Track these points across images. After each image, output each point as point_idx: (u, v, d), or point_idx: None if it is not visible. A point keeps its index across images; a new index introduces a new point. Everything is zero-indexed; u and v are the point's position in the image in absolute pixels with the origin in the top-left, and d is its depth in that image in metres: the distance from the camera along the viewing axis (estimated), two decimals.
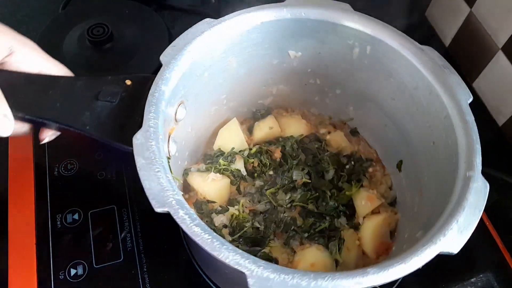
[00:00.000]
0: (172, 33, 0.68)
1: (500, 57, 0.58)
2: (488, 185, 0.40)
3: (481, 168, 0.40)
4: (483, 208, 0.39)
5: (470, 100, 0.44)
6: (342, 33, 0.49)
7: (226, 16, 0.47)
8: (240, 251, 0.34)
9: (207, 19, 0.46)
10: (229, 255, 0.33)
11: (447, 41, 0.69)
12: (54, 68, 0.46)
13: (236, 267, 0.33)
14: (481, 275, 0.50)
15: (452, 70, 0.46)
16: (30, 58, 0.44)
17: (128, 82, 0.43)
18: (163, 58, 0.43)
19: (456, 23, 0.65)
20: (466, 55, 0.66)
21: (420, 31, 0.70)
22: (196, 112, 0.49)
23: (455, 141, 0.43)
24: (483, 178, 0.40)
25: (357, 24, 0.48)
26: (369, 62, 0.50)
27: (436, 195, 0.44)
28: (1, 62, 0.43)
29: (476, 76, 0.63)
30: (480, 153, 0.41)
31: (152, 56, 0.62)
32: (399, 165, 0.54)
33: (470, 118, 0.43)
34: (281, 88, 0.57)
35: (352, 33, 0.48)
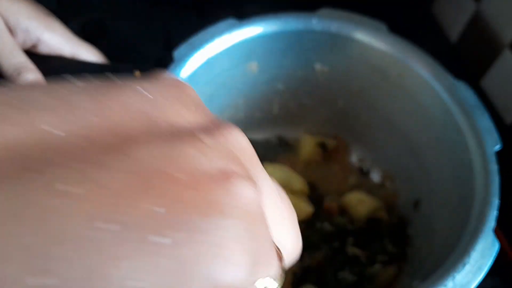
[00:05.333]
0: (169, 29, 0.66)
1: (508, 54, 0.55)
2: (497, 244, 0.36)
3: (493, 225, 0.37)
4: (487, 269, 0.35)
5: (498, 147, 0.40)
6: (372, 54, 0.46)
7: (251, 19, 0.45)
8: None
9: (230, 20, 0.44)
10: None
11: (453, 38, 0.65)
12: (84, 53, 0.46)
13: None
14: (487, 279, 0.46)
15: (484, 111, 0.42)
16: (58, 45, 0.45)
17: (137, 73, 0.43)
18: (176, 54, 0.42)
19: (462, 20, 0.63)
20: (472, 52, 0.63)
21: (426, 28, 0.67)
22: None
23: (472, 189, 0.39)
24: (493, 236, 0.36)
25: (389, 47, 0.45)
26: (397, 89, 0.47)
27: (442, 246, 0.41)
28: (33, 46, 0.44)
29: (483, 73, 0.60)
30: (497, 207, 0.37)
31: (148, 52, 0.61)
32: (416, 204, 0.50)
33: (494, 167, 0.39)
34: (303, 103, 0.54)
35: (382, 56, 0.45)
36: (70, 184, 0.12)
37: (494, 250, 0.36)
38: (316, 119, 0.57)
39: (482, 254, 0.35)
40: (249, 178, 0.16)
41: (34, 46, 0.43)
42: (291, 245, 0.20)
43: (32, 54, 0.43)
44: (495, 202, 0.38)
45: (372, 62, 0.47)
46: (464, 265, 0.35)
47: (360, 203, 0.51)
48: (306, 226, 0.50)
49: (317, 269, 0.49)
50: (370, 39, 0.46)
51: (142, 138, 0.15)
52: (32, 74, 0.41)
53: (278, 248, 0.19)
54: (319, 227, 0.50)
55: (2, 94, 0.14)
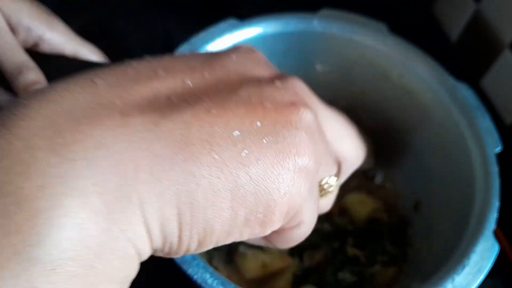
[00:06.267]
0: (169, 29, 0.66)
1: (508, 54, 0.55)
2: (497, 246, 0.36)
3: (494, 227, 0.37)
4: (487, 271, 0.35)
5: (498, 149, 0.40)
6: (372, 55, 0.46)
7: (252, 20, 0.45)
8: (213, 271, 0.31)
9: (231, 20, 0.44)
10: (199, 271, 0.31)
11: (453, 38, 0.65)
12: (86, 52, 0.46)
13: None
14: (487, 280, 0.46)
15: (484, 113, 0.42)
16: (60, 45, 0.44)
17: None
18: (177, 54, 0.42)
19: (462, 20, 0.63)
20: (472, 52, 0.63)
21: (426, 28, 0.67)
22: None
23: (473, 191, 0.39)
24: (493, 238, 0.36)
25: (390, 48, 0.45)
26: (398, 90, 0.47)
27: (442, 248, 0.41)
28: (35, 45, 0.44)
29: (483, 73, 0.60)
30: (497, 210, 0.37)
31: (148, 52, 0.60)
32: (416, 206, 0.50)
33: (494, 169, 0.39)
34: None
35: (383, 57, 0.45)
36: (214, 108, 0.22)
37: (494, 252, 0.36)
38: None
39: (482, 256, 0.35)
40: (309, 107, 0.25)
41: (36, 45, 0.43)
42: (350, 155, 0.31)
43: (34, 53, 0.43)
44: (496, 204, 0.38)
45: (373, 63, 0.47)
46: (464, 267, 0.35)
47: (360, 203, 0.51)
48: None
49: (317, 269, 0.49)
50: (371, 40, 0.45)
51: (240, 85, 0.24)
52: (33, 73, 0.41)
53: (337, 157, 0.30)
54: (319, 227, 0.50)
55: (148, 62, 0.24)
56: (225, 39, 0.44)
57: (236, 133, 0.21)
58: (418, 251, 0.47)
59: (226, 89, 0.23)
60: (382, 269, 0.48)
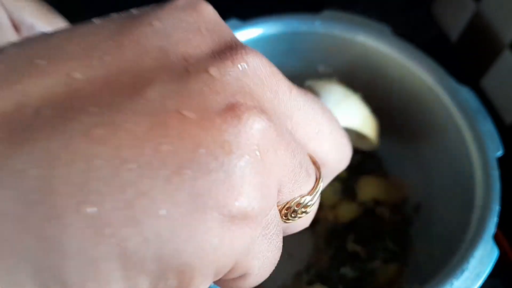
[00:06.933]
0: None
1: (508, 54, 0.55)
2: (497, 251, 0.36)
3: (494, 232, 0.37)
4: (486, 275, 0.35)
5: (499, 153, 0.40)
6: (375, 57, 0.46)
7: (254, 20, 0.45)
8: None
9: (233, 21, 0.44)
10: None
11: (453, 38, 0.65)
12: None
13: None
14: (487, 281, 0.46)
15: (486, 116, 0.42)
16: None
17: None
18: None
19: (462, 20, 0.62)
20: (472, 52, 0.63)
21: (425, 28, 0.66)
22: None
23: (473, 194, 0.39)
24: (493, 243, 0.36)
25: (392, 50, 0.45)
26: (400, 92, 0.47)
27: (441, 251, 0.41)
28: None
29: (483, 74, 0.60)
30: (497, 214, 0.38)
31: None
32: (417, 208, 0.50)
33: (495, 173, 0.39)
34: None
35: (385, 59, 0.45)
36: (100, 126, 0.14)
37: (493, 257, 0.36)
38: None
39: (481, 261, 0.35)
40: (259, 109, 0.16)
41: None
42: (331, 158, 0.21)
43: None
44: (496, 208, 0.38)
45: (375, 65, 0.47)
46: (463, 271, 0.35)
47: (367, 184, 0.51)
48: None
49: (319, 266, 0.49)
50: (373, 41, 0.45)
51: (155, 77, 0.15)
52: None
53: (315, 161, 0.20)
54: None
55: (31, 46, 0.16)
56: None
57: (129, 167, 0.14)
58: (417, 254, 0.47)
59: (128, 87, 0.15)
60: (383, 265, 0.48)
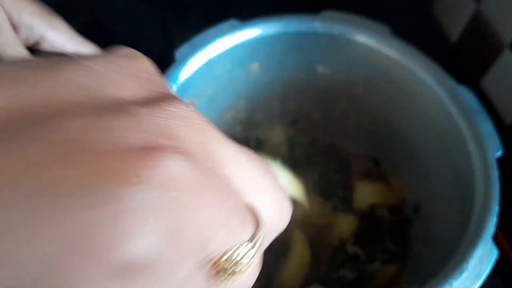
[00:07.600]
0: (169, 29, 0.66)
1: (508, 54, 0.55)
2: (496, 252, 0.36)
3: (493, 232, 0.37)
4: (485, 276, 0.35)
5: (499, 153, 0.40)
6: (374, 57, 0.46)
7: (253, 20, 0.45)
8: None
9: (232, 21, 0.44)
10: None
11: (453, 38, 0.65)
12: (87, 51, 0.45)
13: None
14: (487, 280, 0.46)
15: (486, 116, 0.42)
16: (61, 44, 0.44)
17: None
18: (178, 54, 0.42)
19: (462, 20, 0.62)
20: (472, 52, 0.63)
21: (426, 28, 0.66)
22: (210, 115, 0.48)
23: (473, 195, 0.39)
24: (492, 243, 0.36)
25: (392, 50, 0.44)
26: (400, 92, 0.47)
27: (441, 251, 0.41)
28: (36, 43, 0.43)
29: (483, 74, 0.60)
30: (496, 215, 0.38)
31: (148, 52, 0.60)
32: (416, 208, 0.50)
33: (494, 173, 0.39)
34: (305, 104, 0.54)
35: (385, 60, 0.45)
36: None
37: (492, 257, 0.36)
38: (318, 121, 0.56)
39: (481, 261, 0.35)
40: (185, 151, 0.15)
41: (37, 43, 0.43)
42: (269, 215, 0.19)
43: (35, 51, 0.43)
44: (495, 209, 0.37)
45: (375, 65, 0.46)
46: (462, 272, 0.35)
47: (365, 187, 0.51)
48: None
49: (318, 268, 0.49)
50: (373, 42, 0.45)
51: (74, 111, 0.15)
52: None
53: (256, 214, 0.18)
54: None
55: None
56: (226, 39, 0.44)
57: (19, 191, 0.13)
58: (417, 254, 0.47)
59: (40, 119, 0.14)
60: (382, 267, 0.48)
